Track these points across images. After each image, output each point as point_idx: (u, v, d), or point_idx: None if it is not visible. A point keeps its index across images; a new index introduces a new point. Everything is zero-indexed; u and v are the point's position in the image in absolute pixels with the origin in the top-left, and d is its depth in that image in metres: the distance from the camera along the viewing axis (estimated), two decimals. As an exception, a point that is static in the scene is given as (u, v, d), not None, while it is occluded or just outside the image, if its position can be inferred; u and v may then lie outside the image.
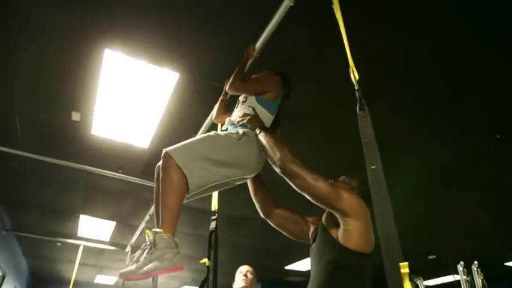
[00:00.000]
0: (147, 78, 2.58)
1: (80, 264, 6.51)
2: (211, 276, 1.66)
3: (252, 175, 1.70)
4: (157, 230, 1.30)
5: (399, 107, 2.82)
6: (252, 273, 3.08)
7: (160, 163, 1.51)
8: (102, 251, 6.80)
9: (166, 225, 1.33)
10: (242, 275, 3.00)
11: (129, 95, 2.76)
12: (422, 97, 2.71)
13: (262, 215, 1.83)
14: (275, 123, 1.84)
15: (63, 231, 5.92)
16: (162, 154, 1.47)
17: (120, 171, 3.80)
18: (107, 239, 6.20)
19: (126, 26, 2.20)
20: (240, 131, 1.63)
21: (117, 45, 2.33)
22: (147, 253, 1.24)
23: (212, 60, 2.45)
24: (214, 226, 1.84)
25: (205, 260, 1.74)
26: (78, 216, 5.28)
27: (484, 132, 3.08)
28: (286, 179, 1.44)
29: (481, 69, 2.44)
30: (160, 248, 1.25)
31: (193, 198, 1.56)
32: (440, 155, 3.41)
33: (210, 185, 1.53)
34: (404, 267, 0.81)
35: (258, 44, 1.92)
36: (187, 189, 1.43)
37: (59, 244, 6.43)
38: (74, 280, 6.33)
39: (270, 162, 1.51)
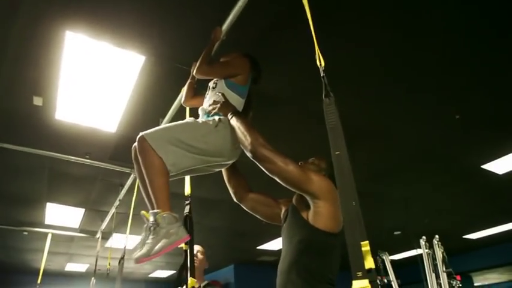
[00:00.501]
0: (112, 61, 2.52)
1: (49, 252, 6.38)
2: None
3: (231, 162, 1.72)
4: (156, 210, 1.36)
5: (366, 88, 2.90)
6: (202, 253, 3.02)
7: (135, 144, 1.53)
8: (72, 238, 6.68)
9: (162, 204, 1.39)
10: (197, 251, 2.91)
11: (93, 79, 2.69)
12: (391, 78, 2.79)
13: (235, 200, 1.86)
14: (247, 106, 1.85)
15: (29, 220, 5.75)
16: (137, 137, 1.48)
17: (87, 156, 3.72)
18: (77, 226, 6.09)
19: (88, 6, 2.12)
20: (217, 118, 1.64)
21: (79, 26, 2.25)
22: (153, 234, 1.31)
23: (179, 43, 2.42)
24: (188, 211, 1.86)
25: (182, 245, 1.76)
26: (45, 204, 5.14)
27: (445, 113, 3.22)
28: (257, 164, 1.46)
29: (445, 53, 2.53)
30: (164, 225, 1.33)
31: (172, 179, 1.58)
32: (406, 135, 3.54)
33: (187, 169, 1.56)
34: (366, 246, 0.85)
35: (225, 27, 1.91)
36: (167, 168, 1.46)
37: (25, 233, 6.25)
38: (44, 269, 6.21)
39: (242, 147, 1.53)
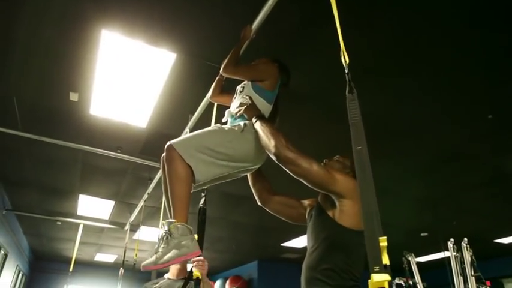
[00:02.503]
0: (145, 58, 2.60)
1: (80, 242, 6.64)
2: None
3: (257, 166, 1.73)
4: (171, 220, 1.35)
5: (399, 86, 2.86)
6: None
7: (164, 155, 1.55)
8: (102, 229, 6.92)
9: (178, 214, 1.38)
10: None
11: (126, 75, 2.78)
12: (423, 79, 2.75)
13: (259, 203, 1.88)
14: (274, 112, 1.86)
15: (63, 211, 6.00)
16: (166, 146, 1.50)
17: (118, 150, 3.85)
18: (106, 218, 6.30)
19: (123, 6, 2.21)
20: (242, 123, 1.64)
21: (114, 25, 2.34)
22: (165, 243, 1.30)
23: (209, 41, 2.47)
24: (203, 202, 1.93)
25: (195, 236, 1.81)
26: (78, 196, 5.35)
27: (478, 113, 3.14)
28: (282, 166, 1.47)
29: (479, 50, 2.47)
30: (176, 236, 1.31)
31: (198, 189, 1.62)
32: (435, 135, 3.48)
33: (215, 177, 1.58)
34: (383, 241, 0.86)
35: (255, 25, 1.93)
36: (194, 180, 1.47)
37: (59, 223, 6.53)
38: (75, 258, 6.46)
39: (266, 150, 1.54)
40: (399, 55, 2.54)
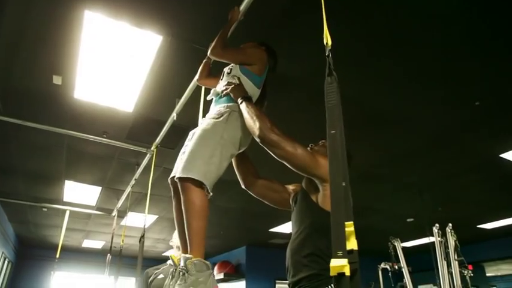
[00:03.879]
0: (130, 40, 2.53)
1: (67, 229, 6.58)
2: None
3: (243, 149, 1.71)
4: (187, 255, 1.31)
5: (384, 72, 2.86)
6: None
7: (172, 176, 1.54)
8: (89, 216, 6.86)
9: (196, 249, 1.34)
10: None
11: (111, 58, 2.72)
12: (408, 64, 2.75)
13: (243, 186, 1.87)
14: (262, 97, 1.83)
15: (48, 197, 5.93)
16: (177, 180, 1.46)
17: (104, 135, 3.79)
18: (93, 204, 6.25)
19: (106, -15, 2.14)
20: (223, 110, 1.62)
21: (97, 6, 2.26)
22: (181, 280, 1.25)
23: (196, 23, 2.41)
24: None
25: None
26: (64, 182, 5.28)
27: (465, 99, 3.16)
28: (266, 149, 1.45)
29: (465, 36, 2.47)
30: (193, 272, 1.26)
31: None
32: (422, 121, 3.50)
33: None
34: (350, 226, 0.85)
35: (242, 7, 1.90)
36: (208, 201, 1.45)
37: (45, 209, 6.45)
38: (62, 245, 6.42)
39: (251, 132, 1.52)
40: (384, 40, 2.53)
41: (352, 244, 0.83)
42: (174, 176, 1.52)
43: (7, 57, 2.74)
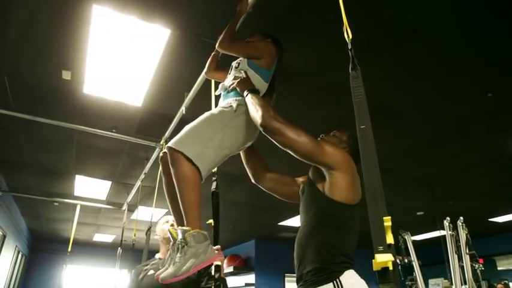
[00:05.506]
0: (138, 34, 2.53)
1: (78, 223, 6.66)
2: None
3: (251, 142, 1.71)
4: (185, 228, 1.31)
5: (397, 65, 2.82)
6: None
7: (162, 156, 1.52)
8: (99, 210, 6.93)
9: (192, 221, 1.34)
10: (170, 224, 2.55)
11: (120, 53, 2.71)
12: (420, 58, 2.70)
13: (253, 181, 1.85)
14: (270, 90, 1.82)
15: (59, 191, 5.99)
16: (167, 150, 1.44)
17: (113, 130, 3.81)
18: (104, 198, 6.31)
19: (114, -21, 2.13)
20: (234, 103, 1.60)
21: (105, 0, 2.26)
22: (181, 252, 1.26)
23: (204, 16, 2.40)
24: (215, 187, 1.90)
25: (210, 221, 1.80)
26: (74, 177, 5.33)
27: (477, 91, 3.10)
28: (270, 138, 1.43)
29: (476, 30, 2.42)
30: (192, 244, 1.28)
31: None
32: (433, 113, 3.45)
33: (218, 164, 1.56)
34: (388, 221, 0.85)
35: (251, -1, 1.88)
36: (201, 178, 1.43)
37: (56, 204, 6.53)
38: (73, 239, 6.50)
39: (254, 122, 1.49)
40: (397, 34, 2.49)
41: (390, 238, 0.84)
42: (165, 154, 1.49)
43: (17, 53, 2.76)
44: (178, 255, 1.26)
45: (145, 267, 2.40)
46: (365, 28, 2.43)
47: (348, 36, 1.13)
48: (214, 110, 1.61)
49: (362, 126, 0.98)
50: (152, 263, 2.44)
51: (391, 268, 0.80)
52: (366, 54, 2.68)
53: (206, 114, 1.58)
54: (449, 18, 2.36)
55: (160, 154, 1.58)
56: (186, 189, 1.38)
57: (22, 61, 2.85)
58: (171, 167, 1.42)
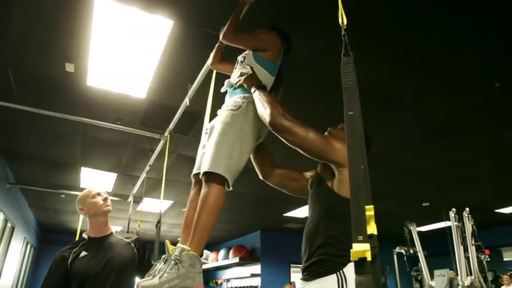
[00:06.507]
0: (141, 26, 2.51)
1: (84, 214, 6.71)
2: None
3: (262, 139, 1.70)
4: (185, 247, 1.29)
5: (396, 54, 2.78)
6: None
7: (195, 173, 1.54)
8: (105, 201, 6.98)
9: (196, 244, 1.32)
10: (102, 198, 2.22)
11: (123, 44, 2.70)
12: (422, 45, 2.66)
13: (261, 177, 1.84)
14: (277, 83, 1.79)
15: (66, 184, 6.04)
16: (202, 176, 1.44)
17: (118, 122, 3.82)
18: (110, 190, 6.35)
19: (115, -31, 2.11)
20: (241, 101, 1.58)
21: (107, -9, 2.25)
22: (171, 268, 1.24)
23: (206, 7, 2.37)
24: None
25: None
26: (80, 169, 5.37)
27: (483, 81, 3.06)
28: (278, 135, 1.41)
29: (480, 18, 2.37)
30: (186, 265, 1.25)
31: None
32: (437, 104, 3.41)
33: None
34: (370, 210, 0.83)
35: (253, -12, 1.85)
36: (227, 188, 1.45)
37: (63, 196, 6.59)
38: (80, 230, 6.55)
39: (262, 120, 1.47)
40: (400, 22, 2.45)
41: (372, 228, 0.81)
42: (198, 173, 1.50)
43: (20, 46, 2.75)
44: (168, 270, 1.24)
45: (74, 250, 2.11)
46: (370, 14, 2.39)
47: (343, 22, 1.10)
48: (224, 118, 1.57)
49: (350, 113, 0.95)
50: (81, 243, 2.16)
51: (369, 259, 0.78)
52: (370, 43, 2.64)
53: (219, 126, 1.55)
54: (457, 3, 2.32)
55: (192, 177, 1.61)
56: (207, 212, 1.37)
57: (26, 54, 2.85)
58: (204, 188, 1.42)
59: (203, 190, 1.42)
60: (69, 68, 2.97)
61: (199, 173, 1.49)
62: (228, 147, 1.47)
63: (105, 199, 2.22)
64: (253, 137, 1.57)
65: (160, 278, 1.21)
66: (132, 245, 2.20)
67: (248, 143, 1.54)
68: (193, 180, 1.61)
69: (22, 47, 2.77)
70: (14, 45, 2.75)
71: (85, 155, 4.84)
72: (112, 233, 2.26)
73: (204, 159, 1.48)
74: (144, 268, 2.12)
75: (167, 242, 1.36)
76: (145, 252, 2.26)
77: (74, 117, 3.55)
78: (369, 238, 0.80)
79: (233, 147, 1.47)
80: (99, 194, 2.22)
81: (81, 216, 6.35)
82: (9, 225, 6.46)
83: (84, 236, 2.23)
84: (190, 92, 2.83)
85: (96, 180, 5.83)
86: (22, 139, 4.41)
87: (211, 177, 1.41)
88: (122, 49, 2.75)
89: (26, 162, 5.21)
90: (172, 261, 1.25)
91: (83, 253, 2.08)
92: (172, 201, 6.76)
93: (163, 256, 1.32)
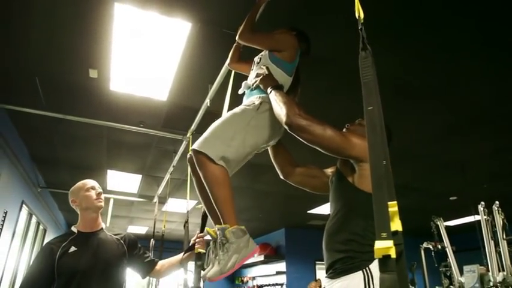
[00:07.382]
0: (160, 29, 2.56)
1: (112, 216, 6.87)
2: None
3: (277, 139, 1.70)
4: (224, 226, 1.34)
5: (423, 43, 2.72)
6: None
7: (190, 157, 1.54)
8: (132, 203, 7.14)
9: (229, 218, 1.37)
10: (96, 193, 2.17)
11: (143, 48, 2.76)
12: (449, 33, 2.60)
13: (281, 176, 1.84)
14: (294, 84, 1.78)
15: (93, 186, 6.19)
16: (192, 152, 1.47)
17: (141, 125, 3.89)
18: (135, 191, 6.48)
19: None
20: (256, 101, 1.59)
21: (126, -3, 2.29)
22: (223, 250, 1.30)
23: (224, 7, 2.39)
24: None
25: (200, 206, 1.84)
26: (106, 171, 5.50)
27: (509, 73, 2.96)
28: (295, 135, 1.40)
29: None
30: (233, 240, 1.31)
31: None
32: (463, 95, 3.32)
33: (243, 162, 1.57)
34: (393, 206, 0.81)
35: (270, -13, 1.85)
36: (228, 174, 1.45)
37: (92, 198, 6.75)
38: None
39: (279, 120, 1.47)
40: (424, 11, 2.39)
41: (396, 225, 0.80)
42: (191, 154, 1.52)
43: (44, 53, 2.84)
44: (221, 253, 1.29)
45: (63, 244, 2.00)
46: (394, 6, 2.35)
47: (359, 16, 1.09)
48: (237, 109, 1.60)
49: (369, 108, 0.94)
50: (71, 238, 2.06)
51: (393, 256, 0.76)
52: (392, 34, 2.59)
53: (229, 113, 1.58)
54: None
55: (188, 156, 1.60)
56: (217, 188, 1.40)
57: (50, 61, 2.94)
58: (198, 169, 1.45)
59: (200, 172, 1.44)
60: (93, 74, 3.05)
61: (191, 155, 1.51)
62: (228, 134, 1.48)
63: (99, 194, 2.16)
64: (259, 133, 1.56)
65: (219, 263, 1.28)
66: (122, 241, 2.17)
67: (252, 138, 1.53)
68: (189, 164, 1.61)
69: (47, 55, 2.87)
70: (39, 54, 2.85)
71: (110, 157, 4.96)
72: (102, 228, 2.20)
73: (199, 139, 1.50)
74: (138, 259, 2.18)
75: (207, 229, 1.41)
76: (137, 244, 2.25)
77: (98, 121, 3.65)
78: (392, 235, 0.78)
79: (234, 137, 1.48)
80: (93, 188, 2.16)
81: (109, 218, 6.54)
82: (41, 227, 6.69)
83: (74, 229, 2.14)
84: (211, 92, 2.85)
85: (122, 182, 5.96)
86: (50, 144, 4.56)
87: (201, 156, 1.42)
88: (143, 53, 2.81)
89: (54, 167, 5.38)
90: (221, 243, 1.31)
91: (72, 248, 1.99)
92: (196, 201, 6.84)
93: (211, 242, 1.37)
